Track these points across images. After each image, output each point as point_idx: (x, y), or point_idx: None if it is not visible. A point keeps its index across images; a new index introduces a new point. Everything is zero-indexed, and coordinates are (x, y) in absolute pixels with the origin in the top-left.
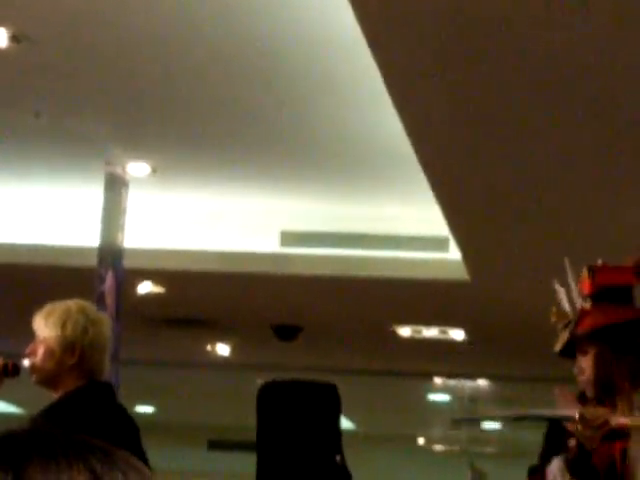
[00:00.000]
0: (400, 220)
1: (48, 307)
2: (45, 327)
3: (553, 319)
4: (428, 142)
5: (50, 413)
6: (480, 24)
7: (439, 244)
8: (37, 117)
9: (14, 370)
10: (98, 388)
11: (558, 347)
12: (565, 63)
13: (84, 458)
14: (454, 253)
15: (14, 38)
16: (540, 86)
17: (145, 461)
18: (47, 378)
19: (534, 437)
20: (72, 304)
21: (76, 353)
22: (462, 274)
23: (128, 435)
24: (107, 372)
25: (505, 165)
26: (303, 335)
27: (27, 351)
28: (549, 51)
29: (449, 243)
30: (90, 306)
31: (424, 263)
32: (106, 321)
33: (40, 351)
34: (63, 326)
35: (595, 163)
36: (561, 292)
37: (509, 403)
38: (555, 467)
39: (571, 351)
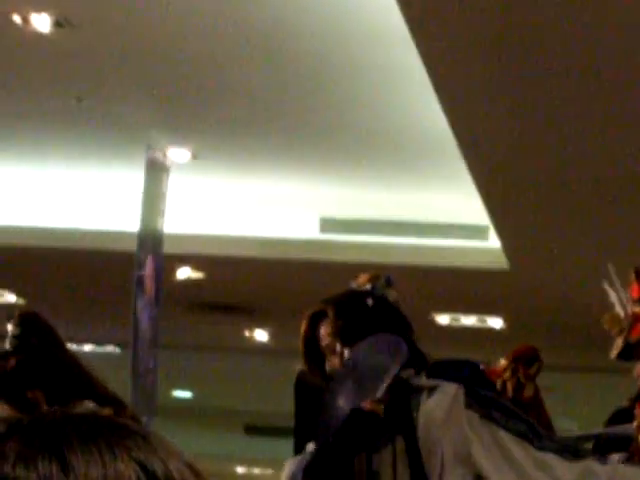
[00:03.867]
0: (440, 208)
1: None
2: None
3: (606, 326)
4: (469, 130)
5: None
6: (523, 9)
7: (479, 232)
8: (79, 102)
9: None
10: None
11: (614, 354)
12: (613, 50)
13: (126, 446)
14: (494, 241)
15: (57, 23)
16: (584, 73)
17: None
18: None
19: None
20: None
21: None
22: (501, 262)
23: None
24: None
25: (546, 153)
26: None
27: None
28: (596, 37)
29: (489, 231)
30: None
31: (464, 251)
32: None
33: None
34: None
35: (638, 153)
36: (612, 295)
37: (547, 392)
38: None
39: (630, 354)
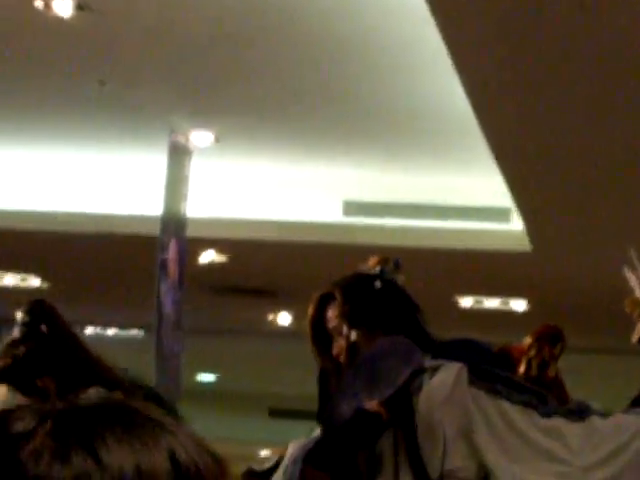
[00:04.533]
0: (463, 191)
1: None
2: None
3: (628, 309)
4: (491, 112)
5: None
6: None
7: (501, 215)
8: (101, 86)
9: None
10: None
11: (635, 339)
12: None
13: (155, 435)
14: (516, 224)
15: (79, 7)
16: (608, 51)
17: None
18: None
19: None
20: None
21: None
22: (524, 245)
23: None
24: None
25: (570, 136)
26: None
27: None
28: (619, 19)
29: (511, 214)
30: None
31: (486, 234)
32: None
33: None
34: None
35: None
36: (632, 279)
37: (570, 374)
38: None
39: None
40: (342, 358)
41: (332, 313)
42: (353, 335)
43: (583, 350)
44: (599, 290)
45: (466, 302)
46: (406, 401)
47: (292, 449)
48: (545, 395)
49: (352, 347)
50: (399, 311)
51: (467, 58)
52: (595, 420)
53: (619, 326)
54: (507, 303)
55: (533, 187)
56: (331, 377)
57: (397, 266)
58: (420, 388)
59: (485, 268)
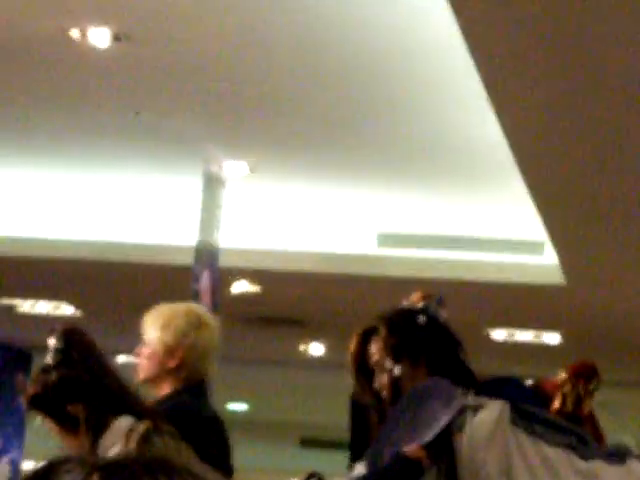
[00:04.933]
0: (497, 223)
1: (156, 309)
2: (149, 329)
3: None
4: (526, 146)
5: None
6: (582, 16)
7: (535, 248)
8: (137, 115)
9: None
10: (194, 390)
11: None
12: None
13: None
14: (550, 257)
15: (116, 37)
16: None
17: (227, 460)
18: (149, 379)
19: None
20: (179, 307)
21: (176, 356)
22: (558, 278)
23: (213, 441)
24: (212, 374)
25: (603, 169)
26: None
27: (136, 351)
28: None
29: (545, 247)
30: (197, 310)
31: (520, 266)
32: (212, 325)
33: (145, 352)
34: (164, 329)
35: None
36: None
37: (604, 408)
38: None
39: None
40: (384, 393)
41: (375, 347)
42: (397, 370)
43: (616, 383)
44: (633, 323)
45: (499, 335)
46: (447, 441)
47: None
48: (585, 436)
49: (395, 382)
50: (442, 347)
51: (502, 94)
52: (633, 464)
53: None
54: (540, 336)
55: (567, 220)
56: (372, 412)
57: (440, 302)
58: (462, 427)
59: (518, 301)
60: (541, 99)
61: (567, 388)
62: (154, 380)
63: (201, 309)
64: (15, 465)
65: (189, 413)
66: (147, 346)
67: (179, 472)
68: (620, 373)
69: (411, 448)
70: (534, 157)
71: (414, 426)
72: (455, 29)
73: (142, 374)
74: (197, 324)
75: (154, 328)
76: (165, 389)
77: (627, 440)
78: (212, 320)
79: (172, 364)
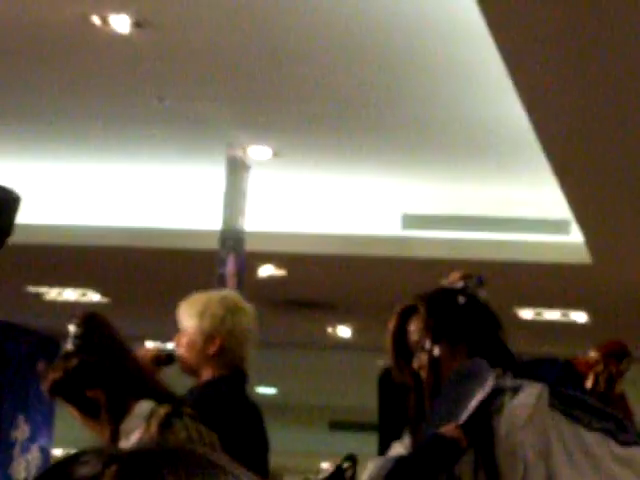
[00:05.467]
0: (522, 203)
1: (191, 297)
2: (186, 318)
3: None
4: (550, 125)
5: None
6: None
7: (561, 227)
8: (160, 101)
9: (167, 360)
10: (234, 378)
11: None
12: None
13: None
14: (576, 236)
15: (136, 24)
16: None
17: (265, 446)
18: (190, 368)
19: None
20: (214, 294)
21: (216, 343)
22: (584, 257)
23: (249, 426)
24: (250, 359)
25: (628, 147)
26: None
27: (174, 341)
28: None
29: (571, 226)
30: (233, 296)
31: (545, 246)
32: (248, 310)
33: (183, 341)
34: (201, 317)
35: None
36: None
37: (632, 386)
38: None
39: None
40: (423, 373)
41: (414, 326)
42: (436, 350)
43: None
44: None
45: (526, 314)
46: (485, 422)
47: (371, 467)
48: (624, 422)
49: (434, 362)
50: (482, 327)
51: (526, 75)
52: None
53: None
54: (567, 315)
55: (592, 199)
56: (411, 392)
57: (480, 282)
58: (501, 409)
59: (545, 280)
60: (564, 77)
61: (599, 368)
62: (194, 368)
63: (236, 295)
64: (45, 453)
65: (226, 402)
66: (184, 335)
67: (198, 461)
68: None
69: (447, 428)
70: (558, 136)
71: (451, 407)
72: (476, 9)
73: (183, 364)
74: (233, 309)
75: (190, 316)
76: (205, 376)
77: None
78: (248, 305)
79: (211, 351)
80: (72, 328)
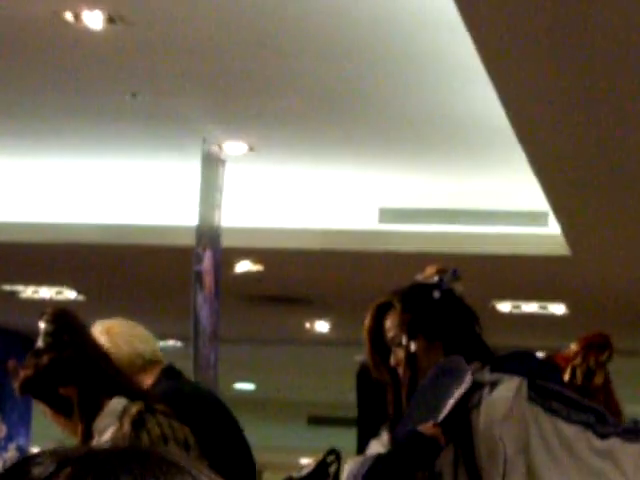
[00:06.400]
0: (499, 195)
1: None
2: None
3: None
4: (525, 116)
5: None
6: None
7: (538, 219)
8: (134, 97)
9: None
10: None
11: None
12: None
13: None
14: (554, 227)
15: (110, 20)
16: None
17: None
18: None
19: None
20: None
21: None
22: (562, 249)
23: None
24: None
25: (605, 137)
26: None
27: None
28: None
29: (548, 217)
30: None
31: (523, 238)
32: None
33: None
34: None
35: None
36: None
37: (615, 377)
38: None
39: None
40: (400, 369)
41: (390, 323)
42: (412, 346)
43: (621, 353)
44: (637, 292)
45: (504, 307)
46: (464, 417)
47: (350, 465)
48: (604, 413)
49: (411, 358)
50: (458, 322)
51: (500, 65)
52: None
53: None
54: (546, 307)
55: (569, 190)
56: (388, 388)
57: (455, 275)
58: (479, 403)
59: (523, 272)
60: (540, 69)
61: (577, 360)
62: None
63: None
64: (23, 452)
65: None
66: None
67: (154, 461)
68: (626, 342)
69: (426, 426)
70: (533, 128)
71: (430, 405)
72: (452, 3)
73: None
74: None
75: None
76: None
77: (637, 410)
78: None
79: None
80: (43, 325)
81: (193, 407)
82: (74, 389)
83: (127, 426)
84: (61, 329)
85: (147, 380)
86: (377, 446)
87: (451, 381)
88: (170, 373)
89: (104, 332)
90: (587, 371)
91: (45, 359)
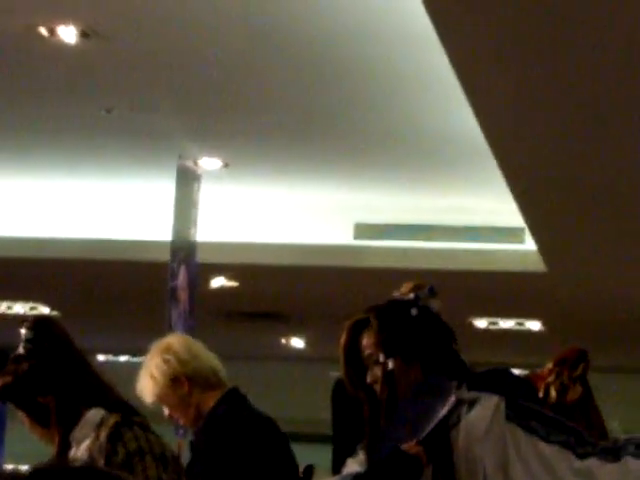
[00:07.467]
0: (475, 211)
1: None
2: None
3: None
4: (501, 133)
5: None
6: (551, 10)
7: (515, 235)
8: (108, 112)
9: None
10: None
11: None
12: None
13: None
14: (530, 244)
15: (83, 34)
16: (619, 75)
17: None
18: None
19: None
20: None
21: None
22: (538, 265)
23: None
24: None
25: (580, 155)
26: None
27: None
28: (630, 35)
29: (525, 234)
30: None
31: (500, 254)
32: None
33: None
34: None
35: None
36: None
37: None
38: None
39: None
40: (377, 387)
41: (367, 341)
42: (390, 364)
43: (598, 369)
44: (614, 309)
45: (481, 323)
46: (443, 436)
47: None
48: (582, 434)
49: (388, 376)
50: (435, 339)
51: (476, 83)
52: (629, 461)
53: (634, 345)
54: (522, 323)
55: (545, 207)
56: (365, 406)
57: (432, 292)
58: (458, 422)
59: (499, 289)
60: (515, 87)
61: (551, 378)
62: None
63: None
64: None
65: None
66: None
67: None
68: (602, 359)
69: (409, 445)
70: (509, 145)
71: (413, 423)
72: (427, 18)
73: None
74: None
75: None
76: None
77: (614, 426)
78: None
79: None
80: (23, 332)
81: (248, 433)
82: (52, 398)
83: (104, 438)
84: (42, 337)
85: (212, 398)
86: (354, 465)
87: (434, 400)
88: (235, 395)
89: (180, 343)
90: (561, 388)
91: (25, 366)
